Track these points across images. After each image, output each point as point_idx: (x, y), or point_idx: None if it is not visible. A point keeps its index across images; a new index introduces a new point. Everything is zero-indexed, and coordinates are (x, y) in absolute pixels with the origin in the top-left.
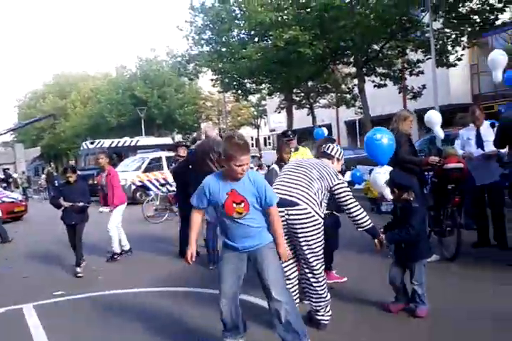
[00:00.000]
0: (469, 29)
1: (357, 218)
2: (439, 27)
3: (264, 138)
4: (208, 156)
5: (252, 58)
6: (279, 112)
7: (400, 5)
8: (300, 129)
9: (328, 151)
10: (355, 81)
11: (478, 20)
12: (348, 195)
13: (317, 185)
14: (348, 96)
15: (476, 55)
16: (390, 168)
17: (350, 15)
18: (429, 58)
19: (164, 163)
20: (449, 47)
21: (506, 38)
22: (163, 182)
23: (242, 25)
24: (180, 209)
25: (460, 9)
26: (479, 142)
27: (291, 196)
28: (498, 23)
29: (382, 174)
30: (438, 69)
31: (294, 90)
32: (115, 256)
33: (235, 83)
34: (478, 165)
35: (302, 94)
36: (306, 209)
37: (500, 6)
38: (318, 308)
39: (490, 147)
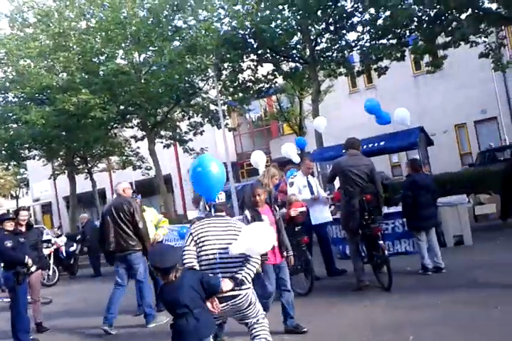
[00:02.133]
0: (240, 95)
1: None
2: (215, 94)
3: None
4: (120, 216)
5: (36, 123)
6: (55, 179)
7: (182, 74)
8: (81, 194)
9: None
10: (138, 143)
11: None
12: None
13: None
14: (133, 158)
15: (236, 119)
16: None
17: (137, 81)
18: (210, 122)
19: None
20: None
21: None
22: None
23: (18, 88)
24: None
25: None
26: (311, 188)
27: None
28: None
29: None
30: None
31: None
32: None
33: (5, 151)
34: (316, 208)
35: (78, 159)
36: None
37: (271, 77)
38: None
39: (320, 191)
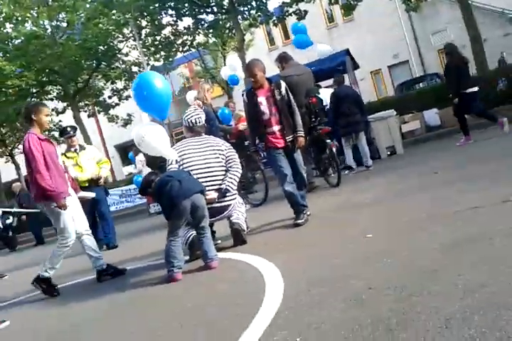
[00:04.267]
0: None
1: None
2: (135, 56)
3: None
4: None
5: None
6: None
7: (100, 36)
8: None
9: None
10: (60, 117)
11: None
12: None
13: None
14: (56, 133)
15: None
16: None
17: (53, 46)
18: None
19: None
20: None
21: None
22: None
23: None
24: None
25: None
26: None
27: None
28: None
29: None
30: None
31: None
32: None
33: None
34: None
35: None
36: None
37: (193, 29)
38: None
39: None
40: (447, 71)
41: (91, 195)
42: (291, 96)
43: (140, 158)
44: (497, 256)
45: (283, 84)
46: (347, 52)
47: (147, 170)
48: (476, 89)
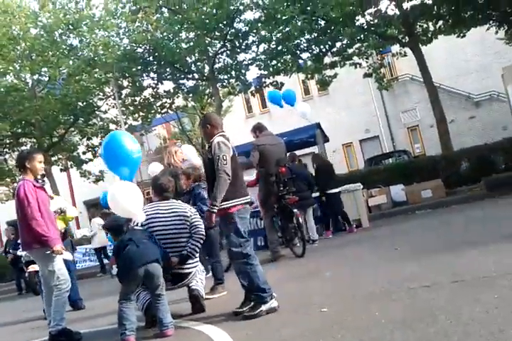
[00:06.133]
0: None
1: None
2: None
3: None
4: None
5: None
6: None
7: (81, 92)
8: None
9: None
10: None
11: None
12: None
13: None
14: None
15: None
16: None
17: (33, 98)
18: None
19: None
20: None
21: None
22: None
23: None
24: None
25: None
26: None
27: None
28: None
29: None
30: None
31: None
32: None
33: None
34: None
35: None
36: None
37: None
38: None
39: None
40: (317, 174)
41: (68, 256)
42: (219, 157)
43: (97, 220)
44: (441, 333)
45: (214, 142)
46: (318, 125)
47: (102, 233)
48: (337, 190)
